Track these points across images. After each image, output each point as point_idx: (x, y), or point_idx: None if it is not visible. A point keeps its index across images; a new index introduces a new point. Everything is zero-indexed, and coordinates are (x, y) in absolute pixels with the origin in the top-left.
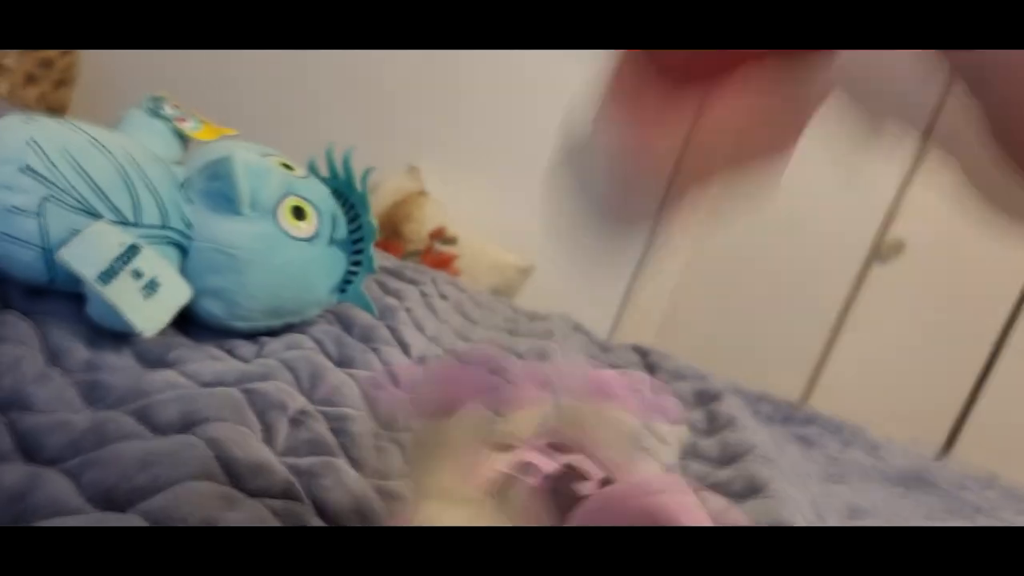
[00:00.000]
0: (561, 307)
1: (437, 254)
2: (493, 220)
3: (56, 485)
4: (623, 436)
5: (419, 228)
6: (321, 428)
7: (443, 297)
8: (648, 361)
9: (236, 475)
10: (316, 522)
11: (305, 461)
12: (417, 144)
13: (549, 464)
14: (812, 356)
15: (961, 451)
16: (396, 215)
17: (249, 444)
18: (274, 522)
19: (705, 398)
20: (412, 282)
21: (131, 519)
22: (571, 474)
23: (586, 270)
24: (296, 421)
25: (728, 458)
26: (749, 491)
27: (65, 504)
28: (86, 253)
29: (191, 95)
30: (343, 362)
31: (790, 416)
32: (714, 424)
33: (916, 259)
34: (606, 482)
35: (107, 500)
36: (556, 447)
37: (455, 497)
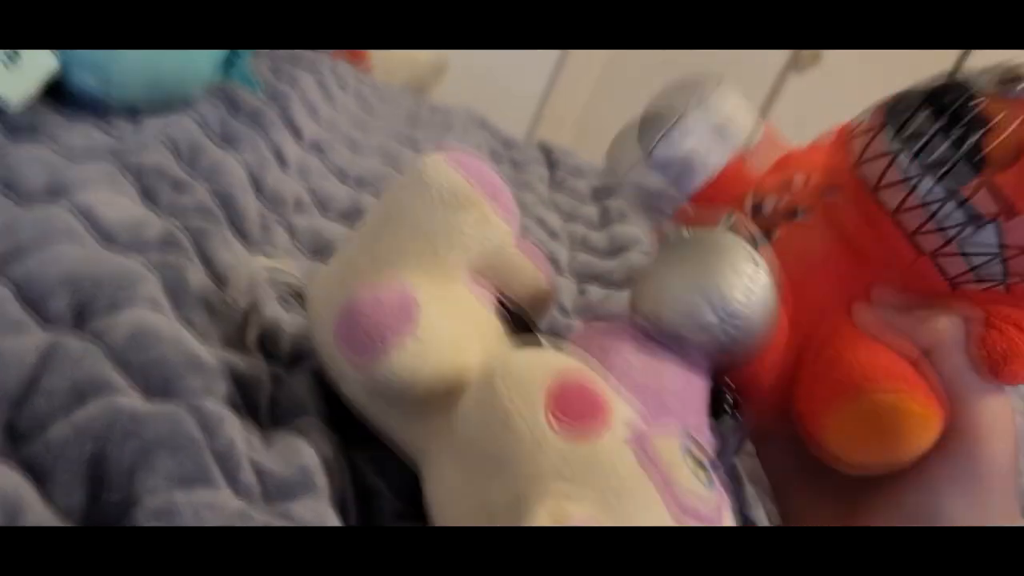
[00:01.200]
0: (476, 106)
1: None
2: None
3: None
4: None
5: None
6: (204, 198)
7: (342, 86)
8: (551, 159)
9: (109, 235)
10: (198, 275)
11: (191, 223)
12: None
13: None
14: None
15: None
16: None
17: (122, 208)
18: (151, 276)
19: (601, 194)
20: (309, 70)
21: None
22: (503, 297)
23: (501, 69)
24: (177, 186)
25: (614, 250)
26: (628, 281)
27: None
28: None
29: None
30: (227, 140)
31: None
32: (605, 218)
33: (832, 69)
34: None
35: None
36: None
37: None
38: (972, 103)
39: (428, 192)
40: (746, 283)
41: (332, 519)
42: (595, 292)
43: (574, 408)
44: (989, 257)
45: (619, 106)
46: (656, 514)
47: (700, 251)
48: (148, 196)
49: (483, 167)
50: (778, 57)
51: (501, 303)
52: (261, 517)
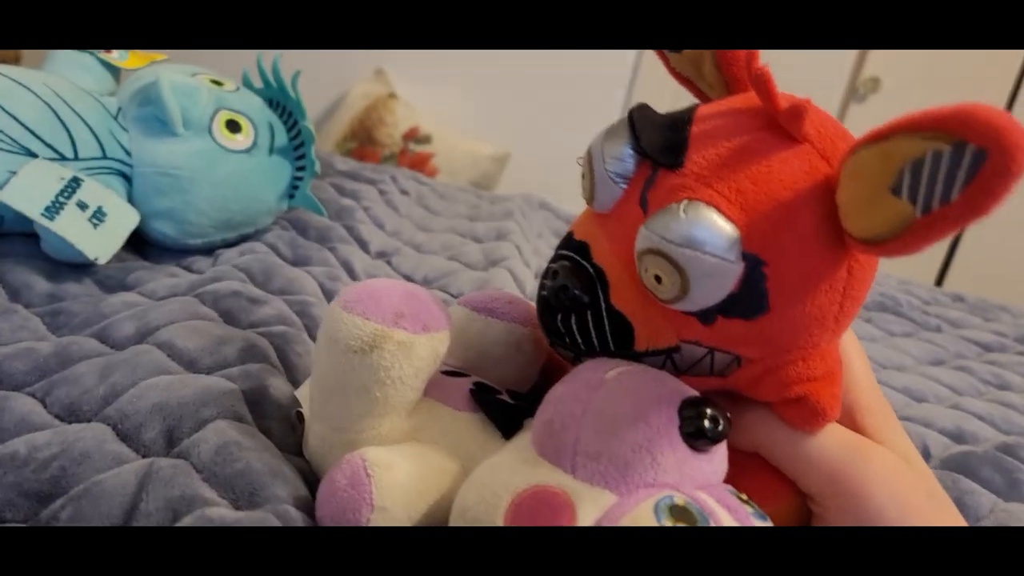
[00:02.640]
0: (543, 191)
1: (412, 155)
2: (465, 115)
3: (23, 405)
4: (510, 345)
5: (392, 131)
6: (282, 307)
7: (404, 193)
8: None
9: (191, 362)
10: (279, 383)
11: (272, 329)
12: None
13: (462, 384)
14: None
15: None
16: (367, 121)
17: (203, 332)
18: (233, 389)
19: None
20: (370, 182)
21: (95, 428)
22: (486, 390)
23: (562, 154)
24: (254, 302)
25: None
26: None
27: (32, 422)
28: (28, 191)
29: None
30: (298, 262)
31: None
32: None
33: (892, 96)
34: (512, 393)
35: (72, 413)
36: (451, 373)
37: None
38: (572, 292)
39: (337, 348)
40: None
41: None
42: None
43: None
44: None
45: None
46: None
47: None
48: (227, 319)
49: (377, 293)
50: (837, 90)
51: (475, 392)
52: None
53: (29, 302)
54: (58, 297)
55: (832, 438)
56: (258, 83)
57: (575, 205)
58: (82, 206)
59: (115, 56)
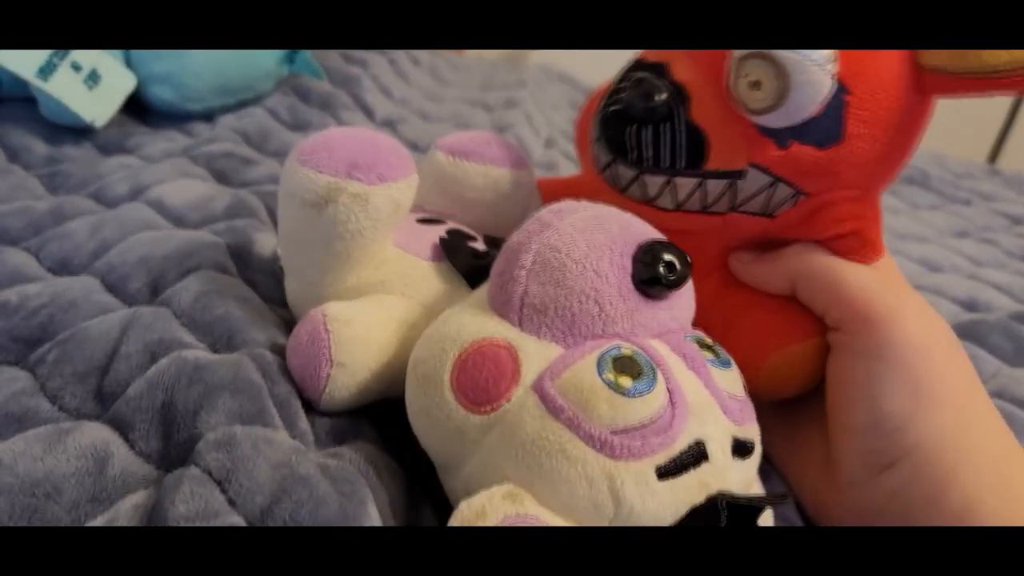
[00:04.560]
0: (578, 67)
1: None
2: None
3: (17, 258)
4: (487, 188)
5: None
6: (276, 168)
7: (415, 63)
8: None
9: (179, 217)
10: (267, 239)
11: (263, 188)
12: None
13: (436, 231)
14: None
15: None
16: None
17: (192, 190)
18: (218, 242)
19: None
20: (380, 53)
21: (84, 280)
22: (456, 237)
23: None
24: (246, 163)
25: None
26: None
27: (25, 274)
28: (21, 53)
29: None
30: (298, 126)
31: None
32: None
33: None
34: (489, 238)
35: (63, 267)
36: (427, 221)
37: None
38: (655, 100)
39: (294, 203)
40: None
41: (379, 460)
42: None
43: (476, 383)
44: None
45: None
46: (576, 461)
47: None
48: (218, 178)
49: (331, 144)
50: None
51: (446, 241)
52: (315, 457)
53: (28, 164)
54: (56, 159)
55: (871, 272)
56: None
57: (598, 78)
58: (75, 67)
59: None
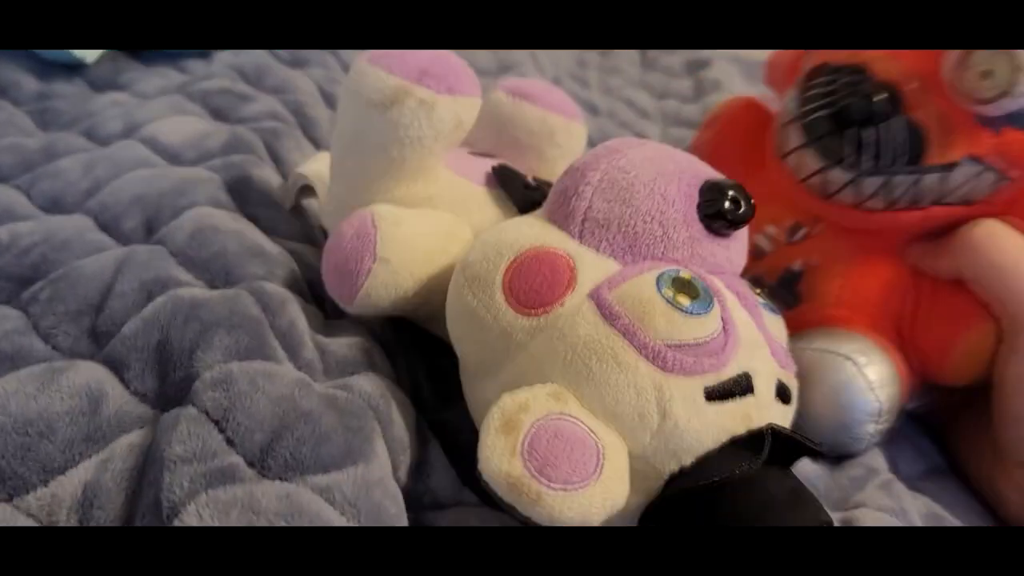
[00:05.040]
0: None
1: None
2: None
3: (8, 196)
4: (542, 133)
5: None
6: (274, 105)
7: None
8: None
9: (175, 155)
10: (266, 174)
11: (261, 124)
12: None
13: (486, 164)
14: None
15: None
16: None
17: (186, 127)
18: (214, 178)
19: (694, 67)
20: None
21: (77, 219)
22: (509, 169)
23: None
24: (244, 99)
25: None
26: None
27: (16, 212)
28: None
29: None
30: (296, 63)
31: None
32: (699, 90)
33: None
34: (537, 180)
35: (55, 205)
36: (478, 153)
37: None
38: (875, 100)
39: (359, 102)
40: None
41: (390, 393)
42: None
43: (531, 286)
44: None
45: None
46: (627, 368)
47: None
48: (215, 115)
49: (406, 53)
50: None
51: (497, 171)
52: (320, 387)
53: (17, 100)
54: (47, 96)
55: None
56: None
57: None
58: None
59: None
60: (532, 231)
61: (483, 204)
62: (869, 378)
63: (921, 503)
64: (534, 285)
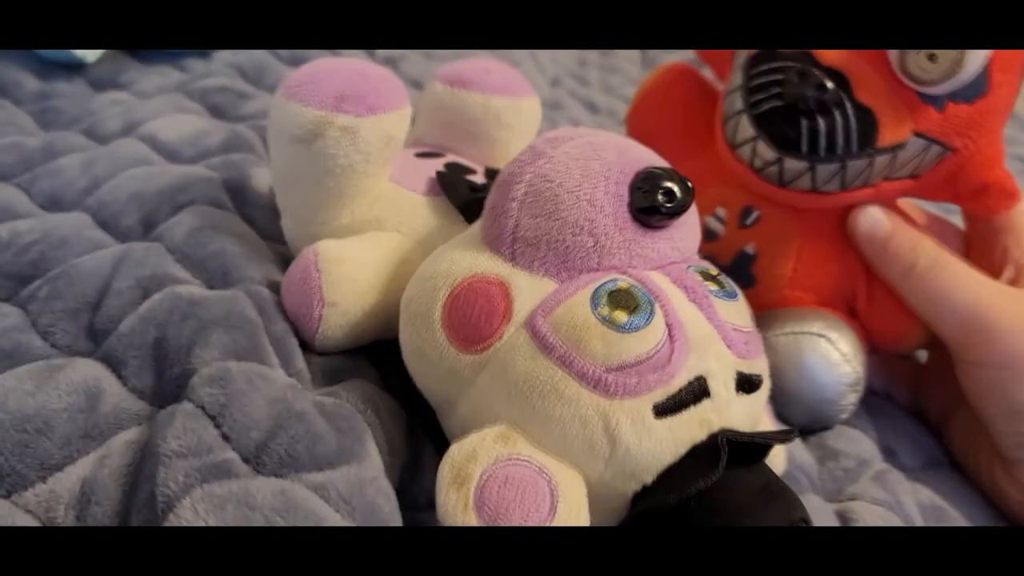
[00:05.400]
0: None
1: None
2: None
3: (8, 194)
4: (488, 119)
5: None
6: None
7: None
8: None
9: (173, 153)
10: (264, 174)
11: (260, 123)
12: None
13: (434, 164)
14: None
15: None
16: None
17: (185, 125)
18: (212, 177)
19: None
20: None
21: (76, 216)
22: (454, 171)
23: None
24: (242, 97)
25: None
26: None
27: (16, 210)
28: None
29: None
30: (296, 61)
31: None
32: None
33: None
34: (490, 171)
35: (54, 203)
36: (425, 155)
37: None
38: (826, 88)
39: (283, 138)
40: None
41: (377, 397)
42: None
43: (466, 321)
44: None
45: None
46: (569, 400)
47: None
48: (214, 113)
49: (318, 76)
50: None
51: (443, 174)
52: (309, 395)
53: (18, 99)
54: (48, 95)
55: (977, 284)
56: None
57: None
58: None
59: None
60: (465, 258)
61: (430, 215)
62: (843, 351)
63: (924, 495)
64: (471, 319)
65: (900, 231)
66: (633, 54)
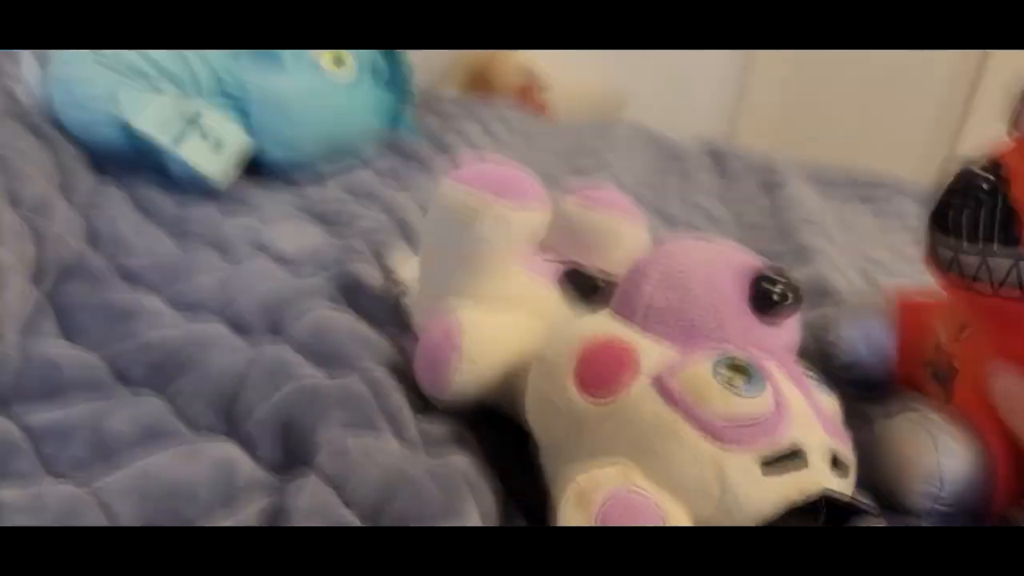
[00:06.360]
0: (666, 125)
1: (530, 100)
2: (585, 58)
3: (154, 304)
4: (609, 236)
5: (511, 78)
6: (381, 218)
7: (508, 129)
8: (718, 157)
9: (296, 266)
10: (376, 277)
11: (370, 237)
12: None
13: (559, 266)
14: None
15: None
16: (488, 68)
17: (304, 241)
18: (327, 285)
19: (770, 186)
20: (475, 120)
21: (214, 327)
22: (578, 267)
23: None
24: (355, 216)
25: (785, 233)
26: (799, 260)
27: (157, 312)
28: (160, 122)
29: None
30: (399, 185)
31: (870, 194)
32: (775, 207)
33: None
34: (605, 273)
35: (195, 313)
36: (551, 260)
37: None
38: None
39: (446, 217)
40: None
41: (479, 468)
42: None
43: (598, 375)
44: None
45: (810, 101)
46: (688, 444)
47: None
48: (328, 230)
49: (485, 172)
50: None
51: (569, 273)
52: (422, 461)
53: (159, 220)
54: (183, 216)
55: None
56: None
57: (685, 136)
58: (204, 135)
59: None
60: (599, 324)
61: (555, 303)
62: (939, 454)
63: None
64: (602, 373)
65: None
66: (710, 165)
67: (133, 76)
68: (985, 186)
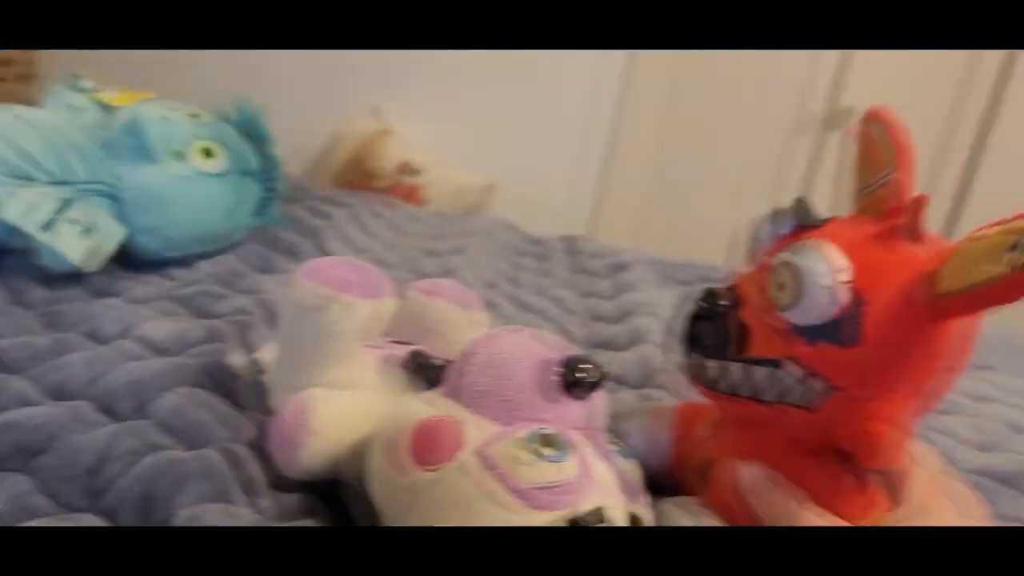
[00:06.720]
0: (531, 217)
1: (403, 186)
2: (455, 147)
3: (21, 386)
4: (447, 322)
5: (386, 165)
6: (245, 302)
7: (376, 215)
8: (572, 248)
9: (161, 348)
10: (239, 358)
11: (235, 318)
12: (380, 84)
13: (403, 350)
14: None
15: None
16: (363, 155)
17: (171, 325)
18: (191, 365)
19: (614, 269)
20: (344, 206)
21: (80, 405)
22: (422, 354)
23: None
24: (219, 299)
25: (621, 316)
26: (633, 341)
27: (27, 399)
28: (27, 211)
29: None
30: (266, 270)
31: (706, 276)
32: (617, 290)
33: None
34: (442, 357)
35: (62, 394)
36: (398, 342)
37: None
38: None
39: (295, 309)
40: None
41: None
42: (604, 356)
43: (429, 447)
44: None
45: (667, 204)
46: (503, 506)
47: None
48: (195, 314)
49: (332, 268)
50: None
51: (412, 355)
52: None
53: (29, 304)
54: (53, 301)
55: None
56: (232, 115)
57: (549, 229)
58: (73, 222)
59: (106, 94)
60: (431, 404)
61: (399, 382)
62: None
63: None
64: (431, 446)
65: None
66: (565, 259)
67: (5, 168)
68: (721, 309)
